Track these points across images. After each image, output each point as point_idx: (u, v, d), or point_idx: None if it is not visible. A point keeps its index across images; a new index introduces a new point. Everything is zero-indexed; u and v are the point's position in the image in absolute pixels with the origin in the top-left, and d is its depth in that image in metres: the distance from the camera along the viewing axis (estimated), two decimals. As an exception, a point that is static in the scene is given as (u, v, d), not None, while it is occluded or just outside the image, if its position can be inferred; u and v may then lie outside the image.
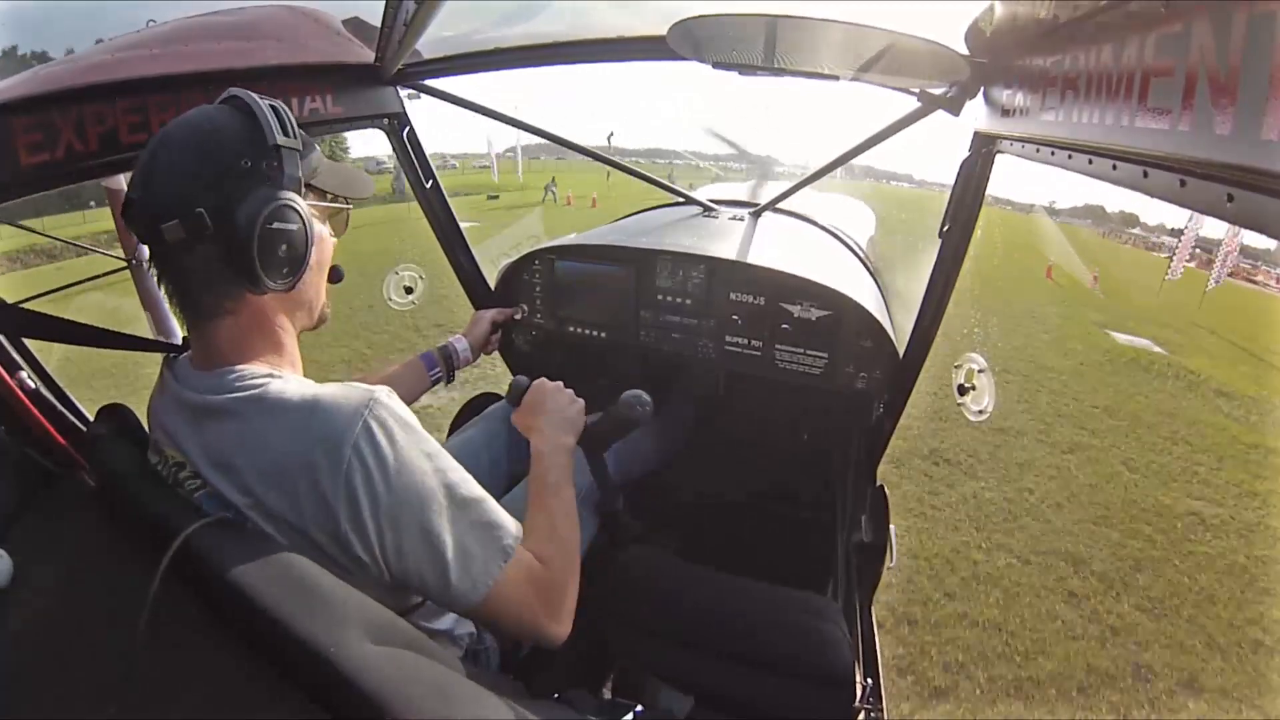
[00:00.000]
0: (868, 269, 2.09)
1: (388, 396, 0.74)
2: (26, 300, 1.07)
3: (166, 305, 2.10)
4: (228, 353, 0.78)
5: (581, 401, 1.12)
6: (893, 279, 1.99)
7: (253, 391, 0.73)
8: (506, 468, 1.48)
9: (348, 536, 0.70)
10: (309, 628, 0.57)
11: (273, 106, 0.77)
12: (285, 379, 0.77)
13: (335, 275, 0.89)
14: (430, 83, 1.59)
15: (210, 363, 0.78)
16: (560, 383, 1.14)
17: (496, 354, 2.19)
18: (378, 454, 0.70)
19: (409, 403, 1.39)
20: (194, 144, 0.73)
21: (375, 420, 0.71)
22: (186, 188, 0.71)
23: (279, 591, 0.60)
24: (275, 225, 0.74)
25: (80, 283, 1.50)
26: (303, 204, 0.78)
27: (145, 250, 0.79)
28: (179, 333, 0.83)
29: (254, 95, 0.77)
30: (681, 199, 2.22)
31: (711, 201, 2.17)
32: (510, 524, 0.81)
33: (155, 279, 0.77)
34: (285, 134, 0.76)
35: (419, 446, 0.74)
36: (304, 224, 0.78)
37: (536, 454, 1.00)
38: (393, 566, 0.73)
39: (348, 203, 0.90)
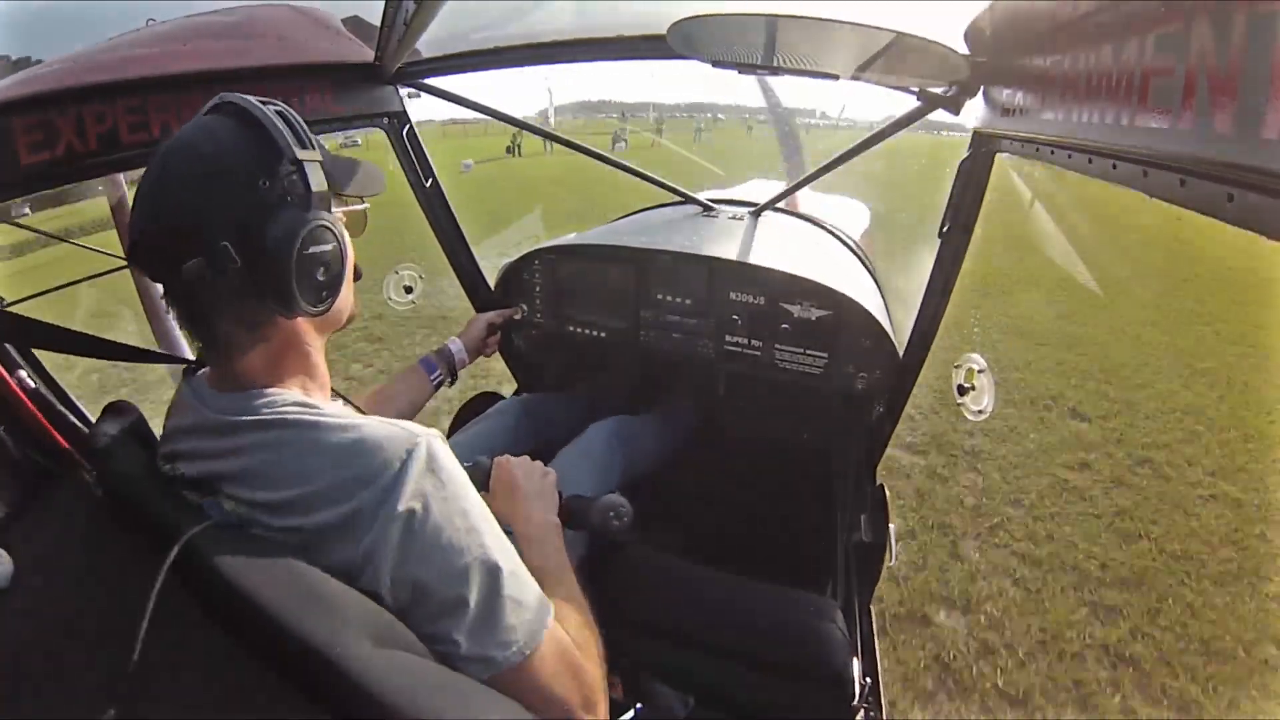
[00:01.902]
0: (867, 268, 2.09)
1: (435, 443, 0.70)
2: (25, 299, 1.07)
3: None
4: (257, 376, 0.73)
5: (553, 473, 1.05)
6: (892, 273, 1.97)
7: (286, 417, 0.69)
8: None
9: (363, 574, 0.66)
10: (311, 629, 0.57)
11: (280, 113, 0.71)
12: (321, 408, 0.72)
13: (357, 273, 0.83)
14: (430, 81, 1.59)
15: (237, 385, 0.73)
16: (526, 456, 1.07)
17: (497, 355, 2.19)
18: (412, 504, 0.65)
19: (416, 410, 1.37)
20: (202, 171, 0.66)
21: (416, 468, 0.67)
22: (203, 221, 0.65)
23: (281, 594, 0.60)
24: (311, 250, 0.70)
25: (79, 281, 1.50)
26: (336, 220, 0.73)
27: (159, 286, 0.74)
28: (183, 342, 0.81)
29: (253, 101, 0.71)
30: (681, 199, 2.22)
31: (711, 201, 2.17)
32: (543, 601, 0.73)
33: (171, 315, 0.72)
34: (303, 145, 0.70)
35: (458, 501, 0.69)
36: (339, 242, 0.74)
37: (526, 541, 0.91)
38: (414, 618, 0.66)
39: (363, 201, 0.85)
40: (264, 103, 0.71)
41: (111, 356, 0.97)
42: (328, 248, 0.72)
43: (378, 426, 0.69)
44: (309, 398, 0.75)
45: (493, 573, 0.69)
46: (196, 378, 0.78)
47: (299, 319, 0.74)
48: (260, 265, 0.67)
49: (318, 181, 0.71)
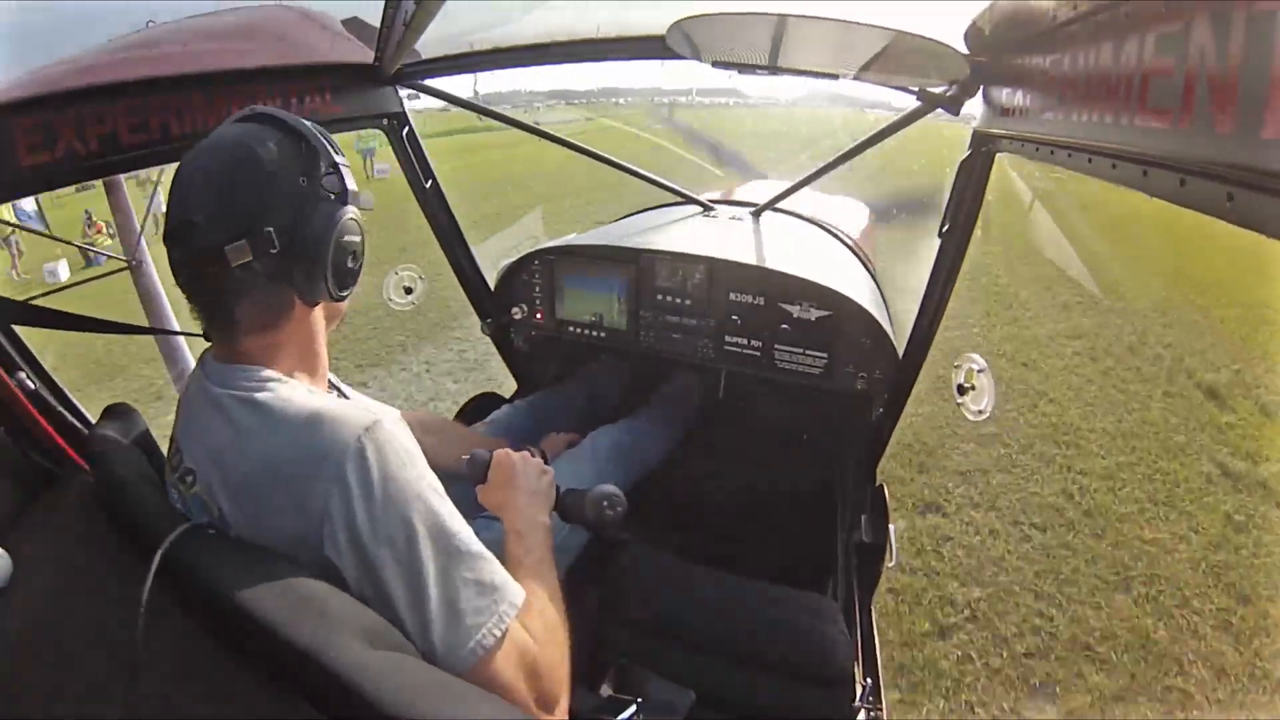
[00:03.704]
0: (867, 269, 2.09)
1: (394, 423, 0.72)
2: (32, 299, 1.07)
3: (167, 305, 2.09)
4: (255, 355, 0.77)
5: (551, 471, 1.07)
6: (892, 273, 1.96)
7: (254, 394, 0.72)
8: None
9: (329, 559, 0.67)
10: (304, 632, 0.57)
11: (313, 125, 0.79)
12: (292, 386, 0.75)
13: None
14: (429, 82, 1.59)
15: (230, 358, 0.77)
16: (525, 453, 1.08)
17: (497, 354, 2.19)
18: (364, 478, 0.66)
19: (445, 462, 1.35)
20: (250, 164, 0.73)
21: (371, 443, 0.68)
22: (251, 207, 0.71)
23: (272, 597, 0.60)
24: (346, 239, 0.78)
25: (80, 283, 1.51)
26: (359, 216, 0.81)
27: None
28: (183, 342, 0.83)
29: (288, 113, 0.78)
30: (681, 199, 2.22)
31: (711, 201, 2.17)
32: (511, 588, 0.73)
33: (192, 299, 0.76)
34: (337, 152, 0.79)
35: (415, 482, 0.70)
36: (362, 235, 0.82)
37: (514, 534, 0.93)
38: (374, 607, 0.66)
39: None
40: (292, 117, 0.79)
41: (130, 332, 0.98)
42: (357, 239, 0.80)
43: (337, 405, 0.72)
44: (289, 379, 0.78)
45: (451, 553, 0.70)
46: (207, 354, 0.82)
47: (315, 308, 0.80)
48: (298, 251, 0.74)
49: (350, 182, 0.80)
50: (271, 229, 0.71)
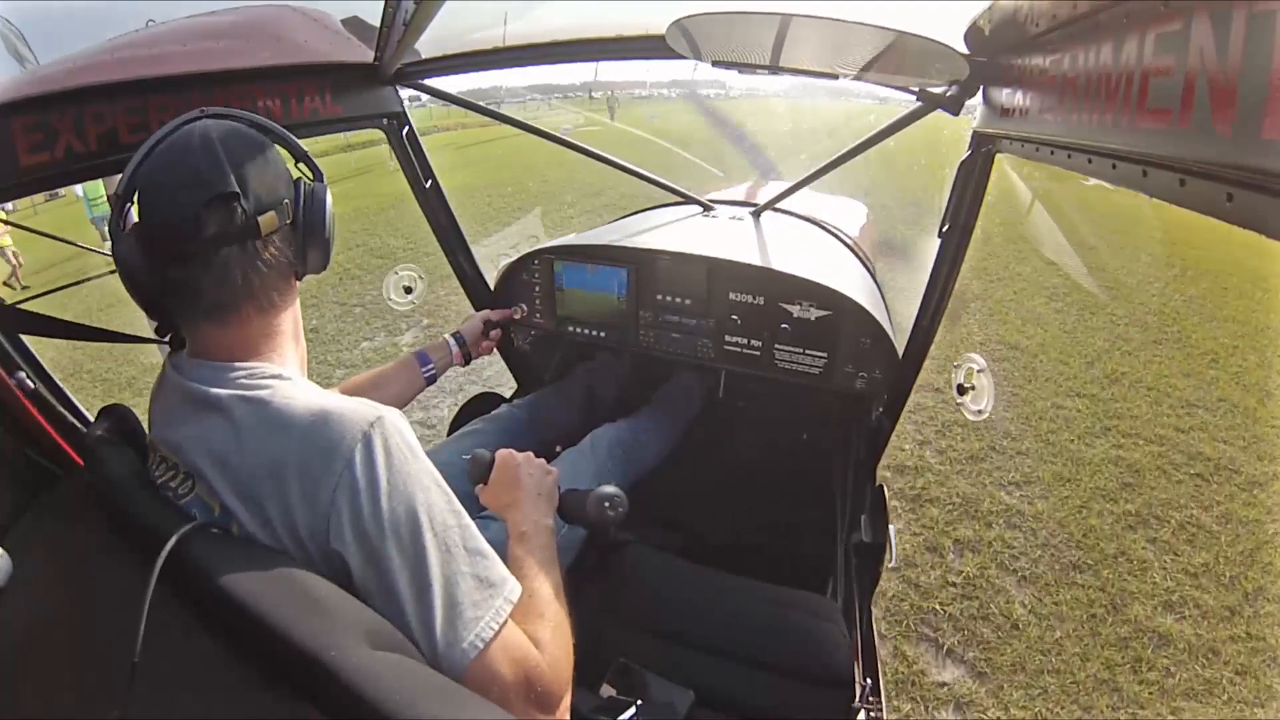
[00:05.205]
0: (867, 268, 2.09)
1: (398, 419, 0.73)
2: (25, 300, 1.08)
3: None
4: (249, 346, 0.77)
5: (555, 471, 1.07)
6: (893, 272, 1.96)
7: (259, 392, 0.72)
8: None
9: (336, 553, 0.68)
10: (306, 633, 0.57)
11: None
12: (295, 383, 0.76)
13: None
14: (429, 82, 1.59)
15: (220, 355, 0.76)
16: (530, 453, 1.08)
17: (496, 353, 2.19)
18: (372, 472, 0.67)
19: (405, 401, 1.39)
20: (254, 144, 0.77)
21: (378, 437, 0.68)
22: (270, 181, 0.76)
23: (275, 597, 0.60)
24: (331, 208, 0.84)
25: (79, 282, 1.51)
26: None
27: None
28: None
29: (240, 110, 0.82)
30: (680, 199, 2.22)
31: (711, 201, 2.17)
32: (509, 584, 0.73)
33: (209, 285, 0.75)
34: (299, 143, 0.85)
35: (420, 475, 0.71)
36: None
37: (518, 535, 0.93)
38: (377, 601, 0.67)
39: None
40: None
41: (100, 339, 0.99)
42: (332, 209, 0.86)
43: (341, 402, 0.72)
44: (284, 370, 0.78)
45: (453, 549, 0.70)
46: (178, 354, 0.82)
47: (298, 285, 0.84)
48: (304, 223, 0.80)
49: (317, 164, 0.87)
50: (288, 200, 0.78)
